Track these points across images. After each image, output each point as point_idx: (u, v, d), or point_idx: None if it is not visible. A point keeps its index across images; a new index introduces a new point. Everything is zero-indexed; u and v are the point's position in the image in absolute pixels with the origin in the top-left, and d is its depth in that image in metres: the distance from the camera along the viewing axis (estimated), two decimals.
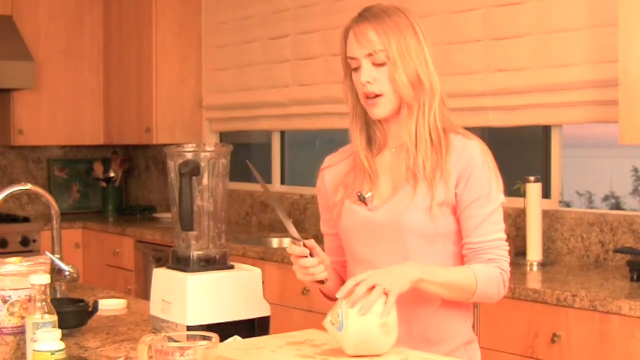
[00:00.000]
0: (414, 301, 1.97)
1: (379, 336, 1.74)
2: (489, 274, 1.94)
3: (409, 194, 1.98)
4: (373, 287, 1.77)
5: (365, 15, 2.00)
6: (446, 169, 1.97)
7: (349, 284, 1.79)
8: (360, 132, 2.07)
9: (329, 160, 2.18)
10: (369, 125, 2.07)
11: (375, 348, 1.74)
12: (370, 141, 2.07)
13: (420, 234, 1.96)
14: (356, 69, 2.00)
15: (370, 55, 1.97)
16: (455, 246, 2.01)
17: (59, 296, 2.50)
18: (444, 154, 1.97)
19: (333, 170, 2.15)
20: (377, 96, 1.98)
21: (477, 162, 1.98)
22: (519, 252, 3.54)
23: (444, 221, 1.97)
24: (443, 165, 1.97)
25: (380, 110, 2.00)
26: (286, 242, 4.67)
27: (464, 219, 1.98)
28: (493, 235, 1.97)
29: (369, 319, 1.73)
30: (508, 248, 2.00)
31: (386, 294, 1.77)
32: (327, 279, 1.97)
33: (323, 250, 2.22)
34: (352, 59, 2.00)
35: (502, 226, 2.00)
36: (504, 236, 2.00)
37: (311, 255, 1.93)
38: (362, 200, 2.03)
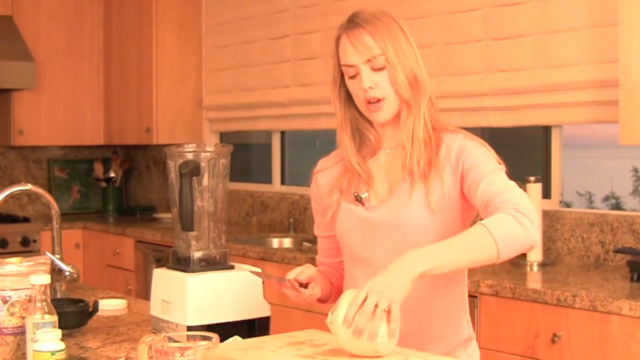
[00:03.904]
0: (413, 298, 1.96)
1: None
2: (498, 216, 1.80)
3: (406, 191, 1.98)
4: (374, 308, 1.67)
5: (357, 21, 1.98)
6: (438, 162, 1.97)
7: (350, 312, 1.67)
8: (350, 138, 2.07)
9: (322, 163, 2.19)
10: (360, 130, 2.07)
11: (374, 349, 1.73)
12: (360, 146, 2.07)
13: (419, 231, 1.96)
14: (353, 76, 1.99)
15: (369, 60, 1.96)
16: None
17: (59, 296, 2.50)
18: (434, 150, 1.98)
19: (326, 172, 2.15)
20: (378, 100, 1.98)
21: (468, 145, 1.97)
22: None
23: (442, 216, 1.97)
24: (434, 160, 1.97)
25: (383, 114, 1.99)
26: (286, 242, 4.67)
27: (471, 184, 1.92)
28: (502, 182, 1.90)
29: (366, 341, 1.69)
30: (523, 191, 1.90)
31: (388, 313, 1.68)
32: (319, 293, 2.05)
33: (316, 250, 2.26)
34: (348, 66, 1.98)
35: (512, 182, 1.92)
36: (515, 185, 1.91)
37: (306, 285, 2.01)
38: (359, 200, 2.04)
